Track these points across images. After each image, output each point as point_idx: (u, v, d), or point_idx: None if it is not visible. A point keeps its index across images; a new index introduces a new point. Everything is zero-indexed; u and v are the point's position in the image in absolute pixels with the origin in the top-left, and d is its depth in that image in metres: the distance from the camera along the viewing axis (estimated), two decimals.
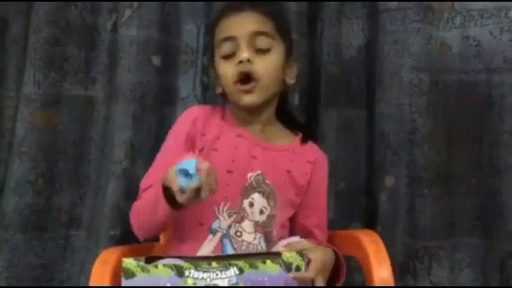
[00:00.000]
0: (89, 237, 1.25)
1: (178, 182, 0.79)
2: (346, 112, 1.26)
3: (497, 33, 1.19)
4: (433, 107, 1.20)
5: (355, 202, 1.28)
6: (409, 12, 1.19)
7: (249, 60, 0.93)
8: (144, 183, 0.96)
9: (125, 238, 1.17)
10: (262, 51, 0.96)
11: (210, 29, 1.06)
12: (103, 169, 1.24)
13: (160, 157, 1.00)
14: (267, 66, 0.95)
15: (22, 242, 1.20)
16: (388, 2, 1.21)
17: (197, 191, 0.79)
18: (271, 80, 0.97)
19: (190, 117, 0.99)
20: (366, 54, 1.26)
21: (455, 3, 1.21)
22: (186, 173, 0.78)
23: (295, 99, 1.22)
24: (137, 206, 0.95)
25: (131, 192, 1.18)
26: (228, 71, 0.96)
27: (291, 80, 1.01)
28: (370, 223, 1.26)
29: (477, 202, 1.22)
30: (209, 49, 1.08)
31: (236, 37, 0.95)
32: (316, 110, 1.25)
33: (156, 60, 1.23)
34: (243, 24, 0.95)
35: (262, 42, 0.96)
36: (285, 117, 1.06)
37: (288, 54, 1.01)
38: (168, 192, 0.84)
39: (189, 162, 0.79)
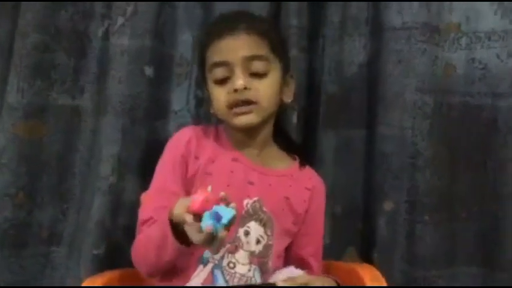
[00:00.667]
0: (70, 255, 1.18)
1: (207, 224, 0.73)
2: (345, 133, 1.22)
3: (504, 56, 1.15)
4: (437, 130, 1.17)
5: (352, 226, 1.23)
6: (414, 32, 1.15)
7: (245, 88, 0.90)
8: (143, 214, 0.91)
9: (109, 258, 1.11)
10: (258, 75, 0.92)
11: (199, 46, 1.01)
12: (88, 183, 1.18)
13: (156, 184, 0.95)
14: (265, 90, 0.92)
15: None
16: (393, 21, 1.17)
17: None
18: (270, 103, 0.94)
19: (183, 139, 0.94)
20: (368, 72, 1.22)
21: (462, 24, 1.17)
22: (217, 218, 0.73)
23: (294, 118, 1.17)
24: (140, 242, 0.89)
25: (117, 209, 1.14)
26: (221, 97, 0.92)
27: (288, 99, 0.98)
28: (366, 248, 1.22)
29: (478, 229, 1.18)
30: (198, 65, 1.03)
31: (230, 62, 0.91)
32: (315, 130, 1.20)
33: (148, 71, 1.17)
34: (237, 49, 0.91)
35: (258, 66, 0.92)
36: (282, 138, 1.02)
37: (285, 72, 0.97)
38: (176, 228, 0.79)
39: (228, 212, 0.74)
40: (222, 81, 0.92)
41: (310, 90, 1.21)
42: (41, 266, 1.18)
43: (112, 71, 1.15)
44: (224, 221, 0.73)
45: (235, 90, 0.90)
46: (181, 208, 0.76)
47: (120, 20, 1.15)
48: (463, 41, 1.18)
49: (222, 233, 0.73)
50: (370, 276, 0.88)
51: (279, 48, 0.96)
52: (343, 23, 1.19)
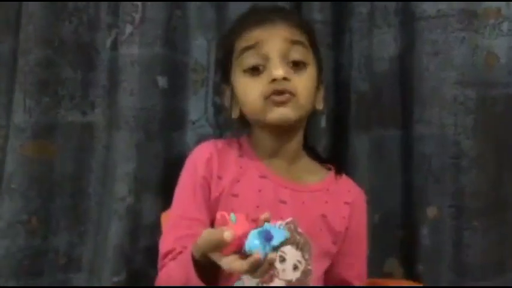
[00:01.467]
0: (90, 281, 1.13)
1: (255, 246, 0.64)
2: (379, 134, 1.13)
3: None
4: (481, 127, 1.07)
5: (391, 236, 1.15)
6: (451, 20, 1.05)
7: (285, 78, 0.79)
8: (164, 245, 0.82)
9: (130, 284, 1.06)
10: (297, 65, 0.82)
11: (223, 43, 0.92)
12: (104, 204, 1.12)
13: (176, 210, 0.86)
14: (305, 83, 0.82)
15: None
16: (426, 9, 1.07)
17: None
18: (308, 99, 0.83)
19: (202, 157, 0.85)
20: (401, 67, 1.13)
21: (502, 7, 1.07)
22: (267, 238, 0.64)
23: (322, 121, 1.09)
24: (163, 281, 0.80)
25: (137, 232, 1.08)
26: (256, 88, 0.81)
27: (319, 106, 0.89)
28: (408, 259, 1.13)
29: None
30: (221, 67, 0.93)
31: (265, 48, 0.81)
32: (346, 133, 1.12)
33: (162, 81, 1.10)
34: (275, 34, 0.81)
35: (298, 53, 0.82)
36: (312, 147, 0.93)
37: (319, 75, 0.88)
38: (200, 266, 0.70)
39: (280, 234, 0.66)
40: (255, 71, 0.81)
41: (339, 90, 1.13)
42: None
43: (123, 83, 1.09)
44: (275, 242, 0.64)
45: (273, 81, 0.79)
46: (208, 247, 0.66)
47: (129, 28, 1.09)
48: (505, 26, 1.07)
49: (272, 255, 0.64)
50: None
51: (316, 44, 0.87)
52: (370, 14, 1.11)
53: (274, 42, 0.80)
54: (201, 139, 1.09)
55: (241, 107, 0.86)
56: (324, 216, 0.83)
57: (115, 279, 1.05)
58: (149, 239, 1.06)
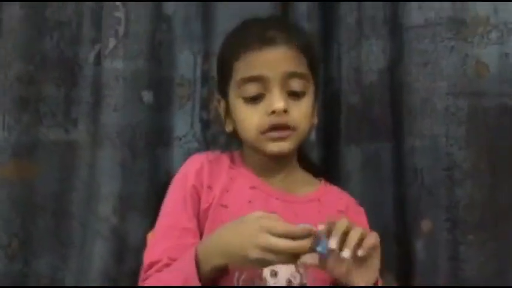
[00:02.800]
0: None
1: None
2: (371, 147, 1.11)
3: None
4: (474, 138, 1.05)
5: (386, 251, 1.10)
6: (439, 29, 1.04)
7: (285, 111, 0.80)
8: (150, 256, 0.80)
9: None
10: (296, 95, 0.83)
11: (222, 58, 0.90)
12: (88, 225, 1.09)
13: (165, 220, 0.84)
14: (304, 113, 0.83)
15: None
16: (414, 18, 1.06)
17: None
18: (307, 128, 0.85)
19: (193, 167, 0.84)
20: (390, 78, 1.11)
21: (491, 16, 1.06)
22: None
23: (312, 134, 1.07)
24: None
25: (122, 254, 1.05)
26: (253, 118, 0.82)
27: (315, 121, 0.90)
28: (404, 274, 1.10)
29: None
30: (218, 81, 0.92)
31: (267, 78, 0.81)
32: (337, 146, 1.11)
33: (147, 96, 1.09)
34: (276, 63, 0.81)
35: (297, 85, 0.82)
36: (305, 159, 0.92)
37: (317, 92, 0.89)
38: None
39: (323, 244, 0.68)
40: (253, 100, 0.82)
41: (329, 102, 1.12)
42: None
43: (107, 98, 1.07)
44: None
45: (273, 112, 0.80)
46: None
47: (112, 42, 1.07)
48: (494, 34, 1.06)
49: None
50: None
51: (315, 65, 0.88)
52: (358, 25, 1.10)
53: (275, 73, 0.81)
54: (188, 155, 1.05)
55: (236, 127, 0.86)
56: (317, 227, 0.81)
57: None
58: (135, 261, 1.02)
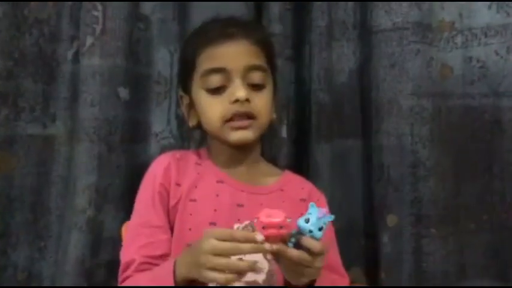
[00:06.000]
0: None
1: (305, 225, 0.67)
2: (340, 144, 1.14)
3: (504, 52, 1.09)
4: (437, 136, 1.09)
5: (354, 244, 1.15)
6: (406, 33, 1.09)
7: (247, 100, 0.82)
8: (125, 256, 0.82)
9: None
10: (257, 87, 0.85)
11: (184, 54, 0.93)
12: (65, 218, 1.10)
13: (136, 219, 0.86)
14: (263, 104, 0.86)
15: None
16: (382, 22, 1.10)
17: None
18: (267, 118, 0.87)
19: (160, 167, 0.86)
20: (359, 79, 1.15)
21: (456, 21, 1.11)
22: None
23: (283, 131, 1.10)
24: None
25: (97, 245, 1.06)
26: (216, 108, 0.84)
27: (274, 114, 0.92)
28: (372, 267, 1.14)
29: (489, 240, 1.11)
30: (180, 77, 0.95)
31: (229, 70, 0.84)
32: (308, 143, 1.13)
33: (123, 93, 1.10)
34: (237, 56, 0.84)
35: (257, 77, 0.85)
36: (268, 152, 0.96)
37: (275, 88, 0.91)
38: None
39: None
40: (216, 91, 0.84)
41: (300, 101, 1.15)
42: None
43: (84, 94, 1.08)
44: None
45: (236, 101, 0.83)
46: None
47: (90, 40, 1.08)
48: (459, 39, 1.11)
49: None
50: None
51: (273, 59, 0.91)
52: (329, 28, 1.13)
53: (237, 65, 0.83)
54: (164, 151, 1.08)
55: (200, 120, 0.88)
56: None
57: None
58: (110, 252, 1.05)
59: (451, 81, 1.11)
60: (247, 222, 0.81)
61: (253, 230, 0.79)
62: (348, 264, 1.13)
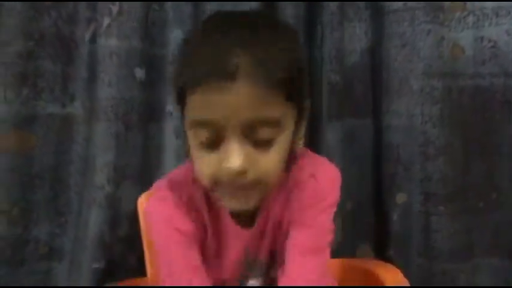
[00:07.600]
0: (71, 270, 1.14)
1: None
2: (351, 124, 1.16)
3: None
4: (447, 116, 1.10)
5: (364, 222, 1.18)
6: (417, 13, 1.09)
7: (244, 172, 0.62)
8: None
9: (110, 271, 1.08)
10: (263, 143, 0.63)
11: (175, 82, 0.67)
12: (84, 195, 1.13)
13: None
14: (272, 165, 0.64)
15: None
16: (394, 2, 1.11)
17: None
18: (276, 176, 0.66)
19: (169, 214, 0.72)
20: (371, 59, 1.16)
21: (467, 1, 1.11)
22: None
23: None
24: None
25: (116, 221, 1.09)
26: (207, 166, 0.64)
27: (298, 145, 0.71)
28: (380, 244, 1.17)
29: (497, 219, 1.13)
30: (175, 101, 0.69)
31: (223, 125, 0.61)
32: (319, 122, 1.14)
33: (139, 73, 1.12)
34: (236, 108, 0.60)
35: (265, 133, 0.62)
36: None
37: (300, 116, 0.69)
38: None
39: None
40: (208, 145, 0.64)
41: (312, 81, 1.15)
42: (42, 283, 1.13)
43: (101, 75, 1.10)
44: None
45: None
46: None
47: (106, 21, 1.10)
48: (470, 19, 1.11)
49: None
50: (393, 280, 0.77)
51: (299, 88, 0.66)
52: (341, 9, 1.13)
53: (234, 120, 0.61)
54: (179, 130, 1.12)
55: None
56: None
57: (95, 265, 1.07)
58: (128, 227, 1.09)
59: (462, 61, 1.11)
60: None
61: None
62: (356, 242, 1.17)
